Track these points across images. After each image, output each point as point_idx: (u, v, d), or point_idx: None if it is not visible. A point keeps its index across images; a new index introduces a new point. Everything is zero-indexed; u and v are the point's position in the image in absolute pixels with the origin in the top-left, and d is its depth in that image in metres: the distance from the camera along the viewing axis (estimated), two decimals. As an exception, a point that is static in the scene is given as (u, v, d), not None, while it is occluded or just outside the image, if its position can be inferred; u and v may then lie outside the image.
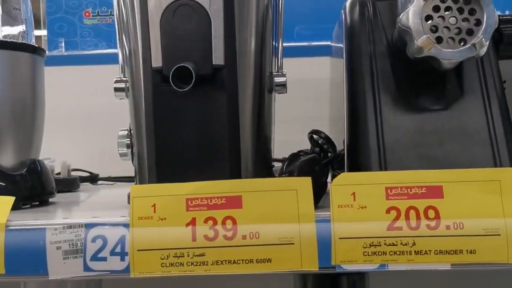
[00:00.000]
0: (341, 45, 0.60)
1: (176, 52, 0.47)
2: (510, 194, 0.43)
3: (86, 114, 1.02)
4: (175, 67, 0.45)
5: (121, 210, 0.50)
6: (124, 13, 0.52)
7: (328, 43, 0.81)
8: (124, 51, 0.54)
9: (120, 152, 0.55)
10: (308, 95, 0.93)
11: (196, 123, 0.49)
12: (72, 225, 0.45)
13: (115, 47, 0.99)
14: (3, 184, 0.55)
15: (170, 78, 0.45)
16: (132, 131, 0.54)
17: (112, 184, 0.87)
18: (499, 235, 0.42)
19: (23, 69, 0.57)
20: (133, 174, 0.55)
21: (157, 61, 0.48)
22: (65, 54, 1.03)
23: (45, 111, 0.61)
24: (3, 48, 0.55)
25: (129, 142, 0.54)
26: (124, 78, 0.54)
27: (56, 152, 0.83)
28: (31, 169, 0.57)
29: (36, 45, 0.59)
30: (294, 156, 0.51)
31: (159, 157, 0.49)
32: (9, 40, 0.57)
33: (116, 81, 0.55)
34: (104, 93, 0.96)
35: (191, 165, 0.49)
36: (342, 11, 0.60)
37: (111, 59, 1.07)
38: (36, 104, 0.59)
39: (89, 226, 0.45)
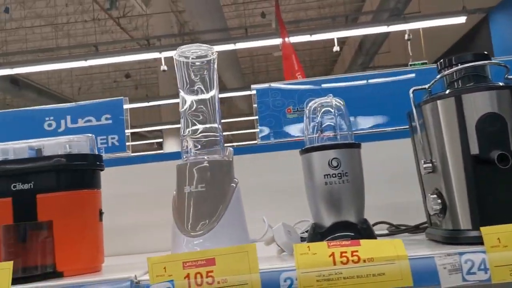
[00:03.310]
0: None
1: (488, 144, 0.79)
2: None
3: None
4: (498, 153, 0.76)
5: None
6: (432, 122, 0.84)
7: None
8: (438, 146, 0.85)
9: (434, 208, 0.84)
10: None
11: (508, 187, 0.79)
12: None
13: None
14: (353, 233, 0.85)
15: (496, 160, 0.76)
16: (443, 194, 0.84)
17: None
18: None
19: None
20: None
21: (474, 150, 0.80)
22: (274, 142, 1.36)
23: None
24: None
25: (440, 201, 0.84)
26: (431, 160, 0.85)
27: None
28: (366, 223, 0.88)
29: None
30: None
31: (481, 210, 0.79)
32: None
33: (425, 162, 0.86)
34: (287, 172, 1.28)
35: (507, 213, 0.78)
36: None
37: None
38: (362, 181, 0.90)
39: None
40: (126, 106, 1.40)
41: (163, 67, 7.92)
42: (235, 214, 0.87)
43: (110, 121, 1.38)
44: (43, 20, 11.58)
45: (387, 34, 8.88)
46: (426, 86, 0.88)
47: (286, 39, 6.84)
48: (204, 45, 0.93)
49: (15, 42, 12.04)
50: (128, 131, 1.38)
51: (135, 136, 13.11)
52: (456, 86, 0.87)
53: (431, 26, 7.27)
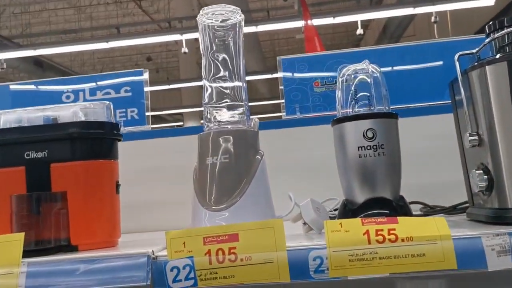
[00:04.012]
0: None
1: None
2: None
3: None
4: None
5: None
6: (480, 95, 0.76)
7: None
8: (486, 116, 0.77)
9: (479, 185, 0.77)
10: None
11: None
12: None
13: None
14: (388, 211, 0.78)
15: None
16: (490, 170, 0.76)
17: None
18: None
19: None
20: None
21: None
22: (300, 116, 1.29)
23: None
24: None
25: (486, 177, 0.76)
26: (478, 132, 0.77)
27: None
28: (403, 201, 0.80)
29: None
30: None
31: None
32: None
33: (471, 135, 0.78)
34: (313, 148, 1.21)
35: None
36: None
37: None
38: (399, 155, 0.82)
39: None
40: (146, 77, 1.34)
41: (184, 49, 7.86)
42: (260, 188, 0.81)
43: (129, 94, 1.33)
44: (66, 2, 11.61)
45: (412, 17, 8.65)
46: (474, 51, 0.80)
47: (309, 21, 6.70)
48: (230, 6, 0.86)
49: (39, 25, 12.11)
50: (148, 113, 1.32)
51: (156, 119, 13.15)
52: (508, 51, 0.78)
53: (459, 8, 7.04)
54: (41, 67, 10.67)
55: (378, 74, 0.83)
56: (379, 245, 0.68)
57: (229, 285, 0.69)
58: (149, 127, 1.31)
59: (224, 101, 0.84)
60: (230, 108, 0.84)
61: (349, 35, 13.06)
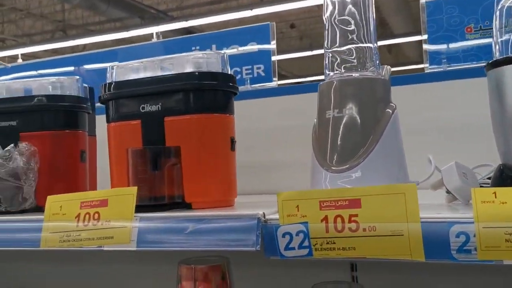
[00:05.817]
0: None
1: None
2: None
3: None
4: None
5: None
6: None
7: None
8: None
9: None
10: None
11: None
12: None
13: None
14: None
15: None
16: None
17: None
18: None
19: None
20: None
21: None
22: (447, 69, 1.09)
23: None
24: None
25: None
26: None
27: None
28: None
29: None
30: None
31: None
32: None
33: None
34: (462, 106, 1.01)
35: None
36: None
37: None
38: None
39: None
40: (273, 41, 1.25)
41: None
42: (390, 146, 0.68)
43: (255, 49, 1.26)
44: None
45: None
46: None
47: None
48: None
49: (191, -1, 12.80)
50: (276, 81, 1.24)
51: (299, 86, 13.17)
52: None
53: None
54: (192, 38, 11.29)
55: (555, 1, 0.63)
56: (549, 223, 0.52)
57: (348, 258, 0.59)
58: (275, 83, 1.24)
59: (349, 44, 0.72)
60: (356, 53, 0.72)
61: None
